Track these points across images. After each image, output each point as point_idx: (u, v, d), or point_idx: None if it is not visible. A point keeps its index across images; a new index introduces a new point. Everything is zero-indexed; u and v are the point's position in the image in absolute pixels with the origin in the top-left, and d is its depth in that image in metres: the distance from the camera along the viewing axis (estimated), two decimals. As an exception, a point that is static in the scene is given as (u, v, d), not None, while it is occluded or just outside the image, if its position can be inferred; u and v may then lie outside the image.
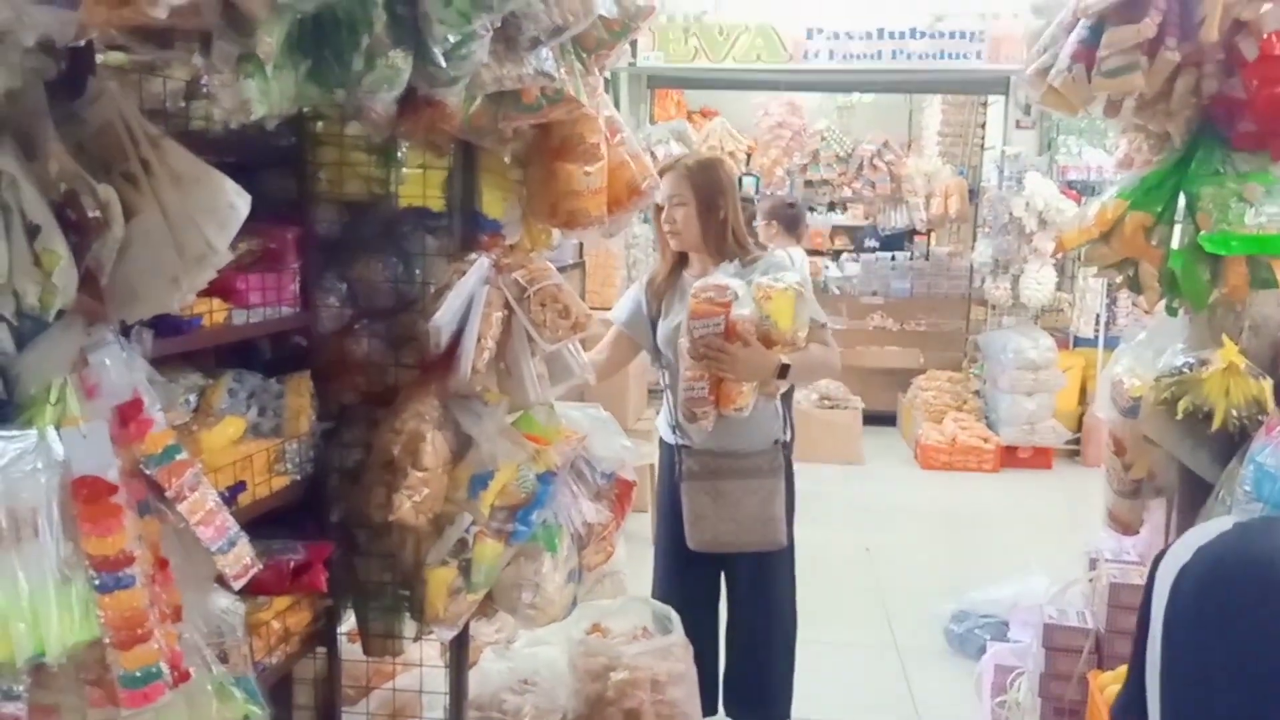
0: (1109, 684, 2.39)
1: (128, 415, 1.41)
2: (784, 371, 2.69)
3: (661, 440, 3.07)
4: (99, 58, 1.50)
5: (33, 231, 1.28)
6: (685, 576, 3.04)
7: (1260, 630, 1.02)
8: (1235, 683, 1.03)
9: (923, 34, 7.72)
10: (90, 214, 1.30)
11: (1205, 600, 1.07)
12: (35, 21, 1.04)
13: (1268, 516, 1.21)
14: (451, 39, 1.45)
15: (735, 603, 3.04)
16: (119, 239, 1.34)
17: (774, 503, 2.85)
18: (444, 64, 1.47)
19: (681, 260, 2.99)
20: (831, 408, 7.46)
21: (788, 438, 2.96)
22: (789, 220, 5.69)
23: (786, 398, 2.97)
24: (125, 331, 1.45)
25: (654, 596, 3.00)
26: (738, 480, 2.84)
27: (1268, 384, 2.05)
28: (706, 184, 2.86)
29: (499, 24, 1.55)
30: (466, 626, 2.13)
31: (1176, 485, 2.35)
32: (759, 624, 3.02)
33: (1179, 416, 2.10)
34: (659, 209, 2.89)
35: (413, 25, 1.45)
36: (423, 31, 1.45)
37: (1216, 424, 2.05)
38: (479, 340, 1.92)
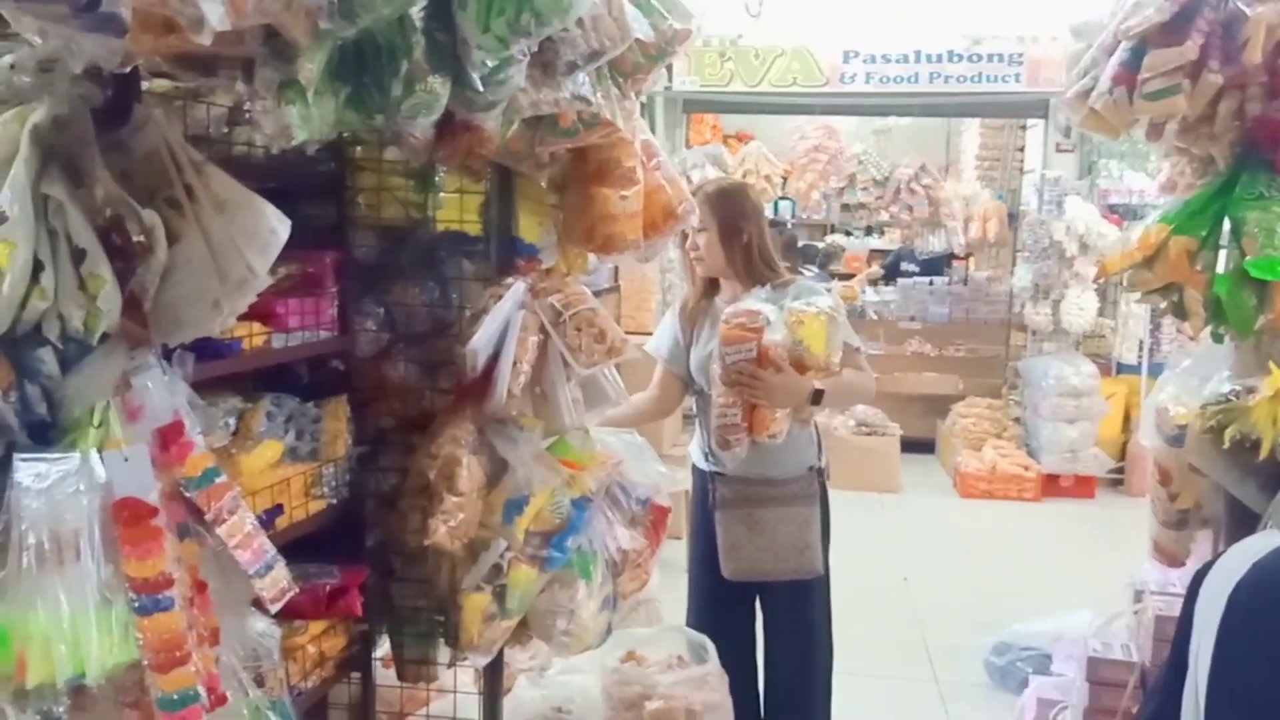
0: None
1: (169, 438, 1.42)
2: (818, 397, 2.66)
3: (694, 467, 3.05)
4: (144, 85, 1.53)
5: (78, 256, 1.30)
6: (720, 605, 3.01)
7: None
8: None
9: (960, 57, 7.70)
10: (135, 239, 1.32)
11: (1265, 614, 1.07)
12: (82, 49, 1.06)
13: None
14: (489, 64, 1.46)
15: (772, 632, 3.01)
16: (162, 263, 1.36)
17: (810, 530, 2.82)
18: (481, 89, 1.48)
19: (712, 286, 2.98)
20: (869, 434, 7.40)
21: (822, 463, 2.93)
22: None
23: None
24: (167, 355, 1.47)
25: (688, 625, 2.97)
26: (773, 508, 2.80)
27: (1318, 412, 2.01)
28: (727, 209, 2.86)
29: (536, 49, 1.56)
30: (501, 653, 2.12)
31: (1223, 516, 2.30)
32: (796, 653, 2.98)
33: (1225, 445, 2.06)
34: (684, 236, 2.89)
35: (451, 51, 1.46)
36: (461, 57, 1.46)
37: (1264, 453, 2.01)
38: (515, 364, 1.93)
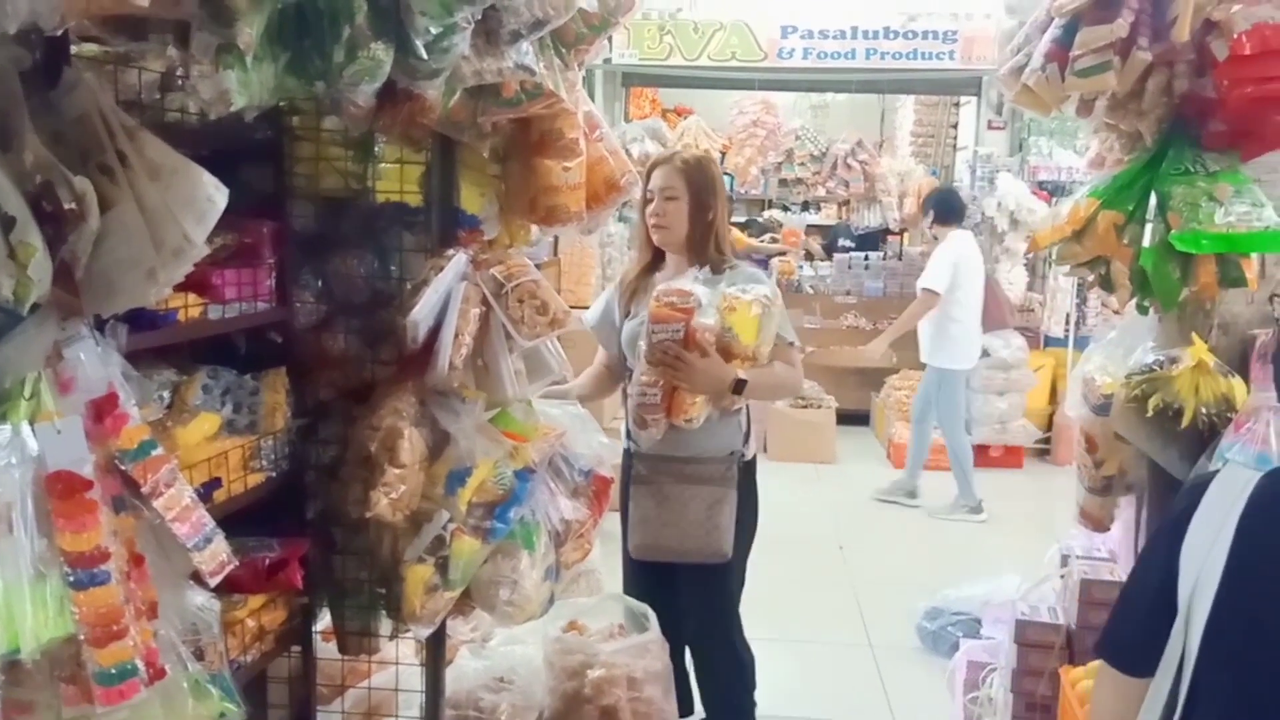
0: (1080, 679, 2.41)
1: (103, 410, 1.39)
2: (739, 387, 2.57)
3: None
4: (73, 49, 1.49)
5: (7, 223, 1.26)
6: (642, 583, 2.91)
7: None
8: None
9: (896, 34, 7.77)
10: (66, 206, 1.29)
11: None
12: (18, 8, 1.03)
13: None
14: (433, 31, 1.45)
15: (681, 613, 2.86)
16: (95, 231, 1.33)
17: (720, 512, 2.68)
18: (425, 56, 1.46)
19: (655, 261, 2.90)
20: (805, 407, 7.48)
21: (748, 451, 2.83)
22: None
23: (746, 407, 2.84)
24: (100, 326, 1.44)
25: None
26: (684, 485, 2.69)
27: (1237, 381, 2.08)
28: (701, 181, 2.78)
29: (480, 17, 1.55)
30: (443, 624, 2.12)
31: (1147, 482, 2.38)
32: (699, 637, 2.89)
33: (1149, 414, 2.13)
34: (645, 201, 2.80)
35: (394, 17, 1.44)
36: (404, 23, 1.44)
37: (1186, 421, 2.07)
38: (457, 336, 1.92)
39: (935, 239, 6.39)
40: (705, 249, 2.79)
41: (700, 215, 2.78)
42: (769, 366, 2.67)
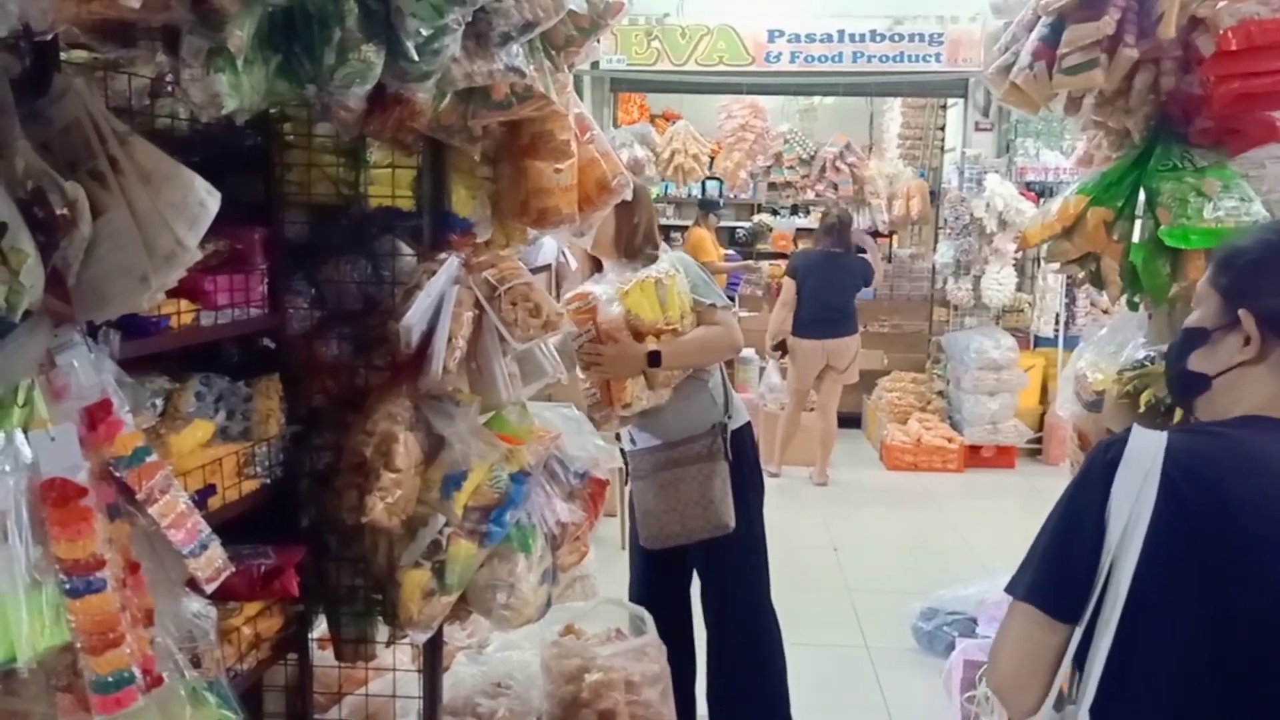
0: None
1: (96, 417, 1.39)
2: (655, 359, 2.74)
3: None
4: (62, 55, 1.48)
5: (-1, 230, 1.26)
6: (653, 579, 3.08)
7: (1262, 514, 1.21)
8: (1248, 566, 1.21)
9: (883, 37, 7.80)
10: (58, 212, 1.28)
11: (1200, 481, 1.25)
12: (9, 12, 1.02)
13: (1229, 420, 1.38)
14: (424, 33, 1.44)
15: (702, 599, 3.07)
16: (86, 237, 1.32)
17: (712, 485, 2.83)
18: (416, 58, 1.46)
19: (598, 268, 3.03)
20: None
21: (731, 422, 2.92)
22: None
23: (730, 378, 3.03)
24: (92, 332, 1.43)
25: (630, 599, 3.02)
26: (674, 470, 2.86)
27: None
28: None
29: (470, 19, 1.54)
30: (440, 629, 2.11)
31: (1140, 477, 2.38)
32: (718, 619, 3.04)
33: (1142, 409, 2.14)
34: None
35: (384, 19, 1.44)
36: (395, 25, 1.44)
37: (1178, 417, 2.08)
38: (450, 340, 1.91)
39: None
40: (633, 250, 2.91)
41: (622, 222, 2.87)
42: (685, 333, 2.83)
